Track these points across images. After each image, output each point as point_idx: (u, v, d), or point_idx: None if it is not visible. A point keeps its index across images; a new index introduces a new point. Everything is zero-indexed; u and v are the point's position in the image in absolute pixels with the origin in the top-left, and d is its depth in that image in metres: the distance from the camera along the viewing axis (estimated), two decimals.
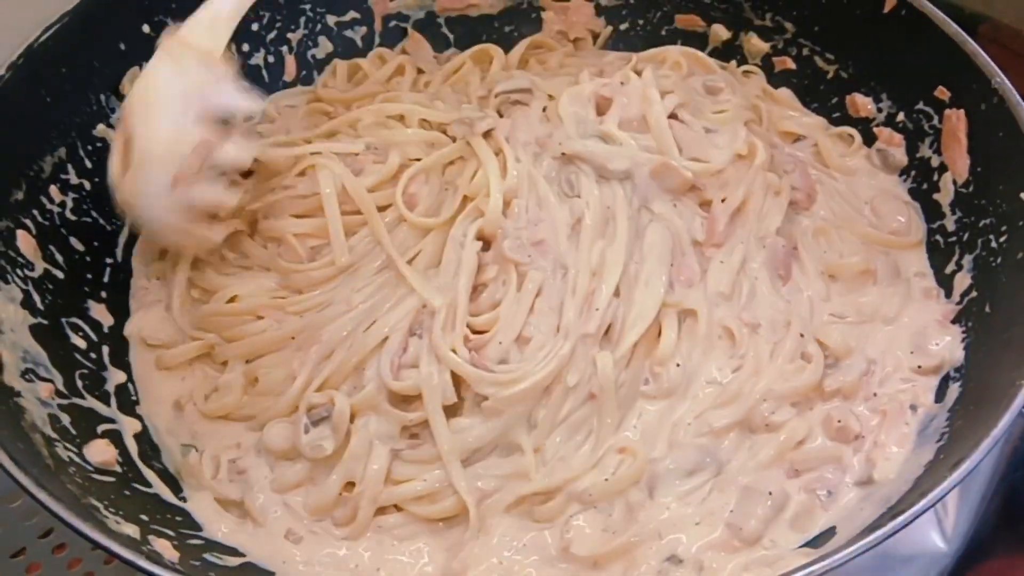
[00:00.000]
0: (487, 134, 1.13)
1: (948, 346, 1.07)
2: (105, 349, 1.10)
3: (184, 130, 0.96)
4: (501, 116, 1.18)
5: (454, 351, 1.01)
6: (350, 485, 1.01)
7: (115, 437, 1.03)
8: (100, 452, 0.99)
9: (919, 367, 1.07)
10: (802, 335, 1.06)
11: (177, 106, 0.96)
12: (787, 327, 1.07)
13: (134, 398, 1.09)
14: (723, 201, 1.12)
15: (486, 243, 1.09)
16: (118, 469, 0.99)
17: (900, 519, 0.82)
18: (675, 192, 1.12)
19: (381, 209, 1.10)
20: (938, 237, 1.15)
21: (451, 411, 1.02)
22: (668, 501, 0.99)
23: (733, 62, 1.34)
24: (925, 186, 1.18)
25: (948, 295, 1.12)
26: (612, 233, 1.08)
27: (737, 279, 1.10)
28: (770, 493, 0.98)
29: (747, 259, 1.11)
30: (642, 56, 1.27)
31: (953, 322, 1.09)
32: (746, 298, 1.09)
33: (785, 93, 1.31)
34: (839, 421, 1.03)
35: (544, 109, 1.17)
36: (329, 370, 1.04)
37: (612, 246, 1.06)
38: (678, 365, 1.04)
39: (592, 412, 1.02)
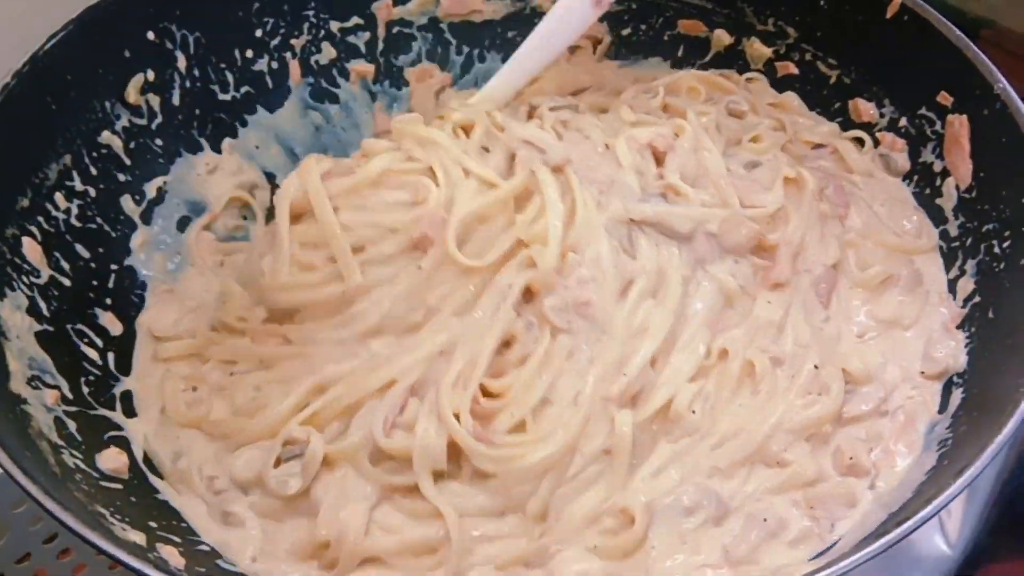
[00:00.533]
0: (557, 168, 1.06)
1: (952, 352, 1.07)
2: (111, 356, 1.10)
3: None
4: (560, 138, 1.12)
5: (457, 416, 0.95)
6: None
7: (122, 444, 1.03)
8: (111, 459, 0.99)
9: (922, 372, 1.07)
10: (817, 366, 1.03)
11: None
12: (805, 358, 1.04)
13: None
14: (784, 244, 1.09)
15: (526, 294, 1.02)
16: (126, 476, 1.00)
17: (905, 526, 0.82)
18: (739, 249, 1.08)
19: (419, 246, 1.02)
20: (941, 242, 1.16)
21: (445, 473, 0.97)
22: (663, 538, 0.96)
23: (734, 71, 1.34)
24: (928, 191, 1.18)
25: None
26: (663, 296, 1.03)
27: (785, 313, 1.08)
28: (764, 520, 0.97)
29: (796, 292, 1.08)
30: (662, 84, 1.25)
31: (957, 328, 1.09)
32: (776, 330, 1.07)
33: (791, 98, 1.31)
34: (851, 458, 1.00)
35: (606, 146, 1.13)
36: (320, 404, 1.00)
37: (659, 310, 1.02)
38: (693, 412, 1.00)
39: (605, 467, 0.98)
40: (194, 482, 1.02)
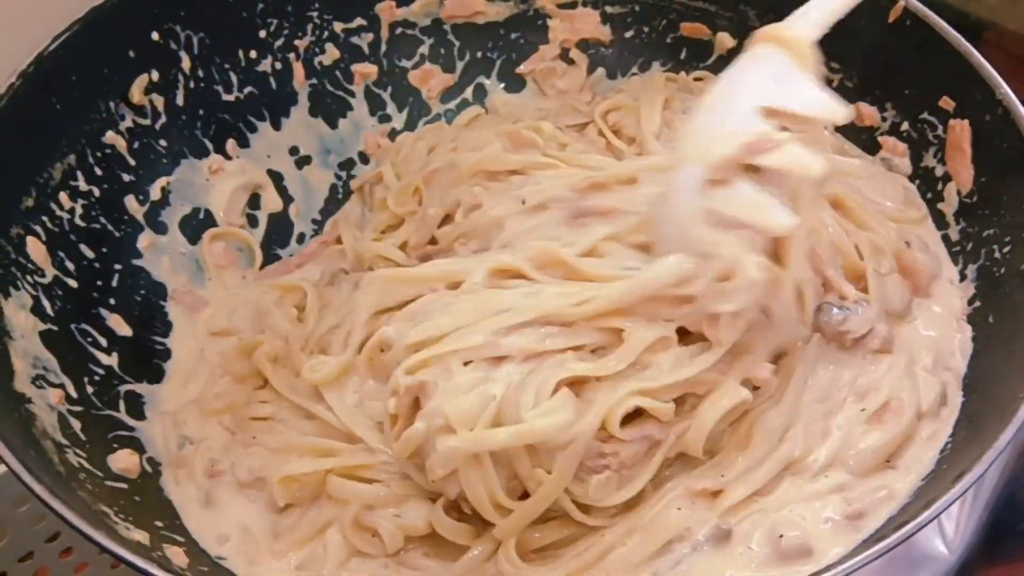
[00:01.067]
0: None
1: (959, 345, 1.06)
2: (115, 354, 1.11)
3: (737, 119, 0.81)
4: None
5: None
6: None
7: (133, 444, 1.04)
8: (123, 460, 1.00)
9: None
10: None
11: (739, 94, 0.84)
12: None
13: (143, 401, 1.10)
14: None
15: None
16: (135, 477, 1.01)
17: (903, 531, 0.82)
18: (904, 301, 1.05)
19: None
20: (942, 246, 1.15)
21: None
22: None
23: (683, 72, 1.34)
24: (929, 195, 1.18)
25: None
26: (779, 397, 0.97)
27: None
28: (780, 536, 0.92)
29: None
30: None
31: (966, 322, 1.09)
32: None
33: None
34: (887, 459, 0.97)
35: None
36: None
37: (774, 410, 0.96)
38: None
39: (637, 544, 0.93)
40: (195, 466, 1.02)
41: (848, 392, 0.99)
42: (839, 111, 0.84)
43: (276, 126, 1.32)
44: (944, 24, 1.13)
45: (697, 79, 1.33)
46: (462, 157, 1.18)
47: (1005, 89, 1.06)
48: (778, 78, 0.84)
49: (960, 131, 1.13)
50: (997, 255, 1.06)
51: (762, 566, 0.90)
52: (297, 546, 0.97)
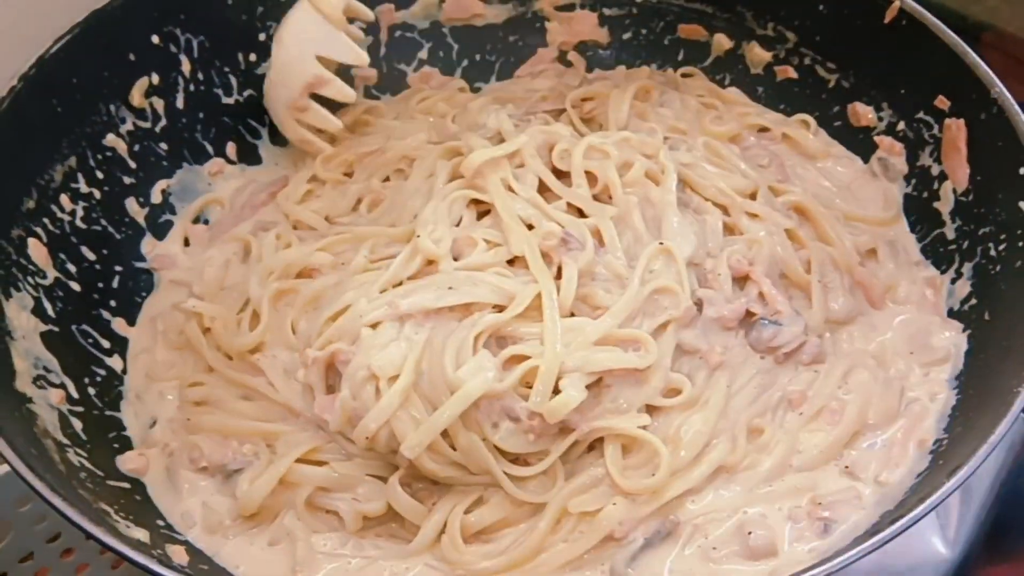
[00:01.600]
0: None
1: (952, 340, 1.07)
2: (115, 354, 1.11)
3: (303, 66, 1.21)
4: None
5: None
6: None
7: (128, 443, 1.05)
8: (132, 460, 1.01)
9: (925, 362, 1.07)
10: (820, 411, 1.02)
11: (299, 46, 1.21)
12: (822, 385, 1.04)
13: None
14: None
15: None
16: (143, 478, 1.01)
17: (898, 524, 0.83)
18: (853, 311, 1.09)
19: None
20: (938, 245, 1.16)
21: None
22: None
23: (669, 69, 1.36)
24: (925, 194, 1.19)
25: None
26: (703, 402, 0.99)
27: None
28: (749, 533, 0.94)
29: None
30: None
31: (949, 316, 1.10)
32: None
33: (734, 92, 1.32)
34: (847, 467, 0.99)
35: None
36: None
37: (699, 415, 0.98)
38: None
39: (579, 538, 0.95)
40: (160, 445, 1.03)
41: (781, 398, 1.02)
42: (361, 57, 1.22)
43: (277, 131, 1.32)
44: (939, 23, 1.14)
45: (685, 75, 1.34)
46: (389, 144, 1.22)
47: (1000, 88, 1.07)
48: (321, 36, 1.21)
49: (956, 130, 1.13)
50: (993, 253, 1.07)
51: (725, 562, 0.92)
52: (258, 526, 0.97)
